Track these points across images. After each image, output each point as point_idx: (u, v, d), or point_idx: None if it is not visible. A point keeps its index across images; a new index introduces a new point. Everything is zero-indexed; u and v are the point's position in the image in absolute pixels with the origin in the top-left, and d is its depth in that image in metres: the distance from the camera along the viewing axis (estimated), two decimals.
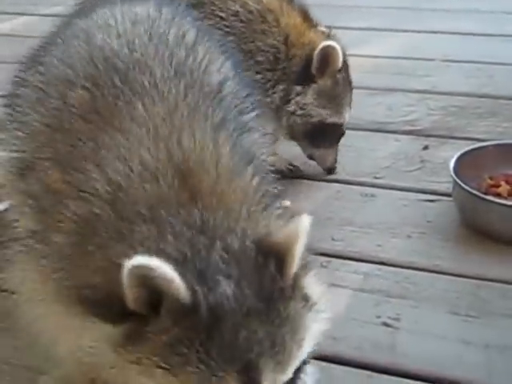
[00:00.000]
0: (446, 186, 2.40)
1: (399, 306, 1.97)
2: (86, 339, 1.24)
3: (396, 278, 2.08)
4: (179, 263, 1.15)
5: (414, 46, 3.70)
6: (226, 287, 1.15)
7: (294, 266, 1.20)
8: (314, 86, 2.47)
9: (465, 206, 2.28)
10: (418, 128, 2.89)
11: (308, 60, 2.46)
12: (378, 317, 1.93)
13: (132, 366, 1.16)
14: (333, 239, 2.27)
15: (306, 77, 2.46)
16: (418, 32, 3.89)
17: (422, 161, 2.67)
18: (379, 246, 2.22)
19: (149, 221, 1.20)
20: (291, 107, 2.47)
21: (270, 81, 2.46)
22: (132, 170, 1.25)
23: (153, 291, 1.13)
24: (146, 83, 1.37)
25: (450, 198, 2.36)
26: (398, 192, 2.50)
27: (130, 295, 1.14)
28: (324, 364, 1.79)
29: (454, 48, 3.61)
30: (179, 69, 1.44)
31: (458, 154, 2.36)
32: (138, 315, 1.16)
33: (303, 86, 2.47)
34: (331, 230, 2.31)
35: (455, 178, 2.26)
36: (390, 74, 3.39)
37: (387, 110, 3.02)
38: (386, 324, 1.91)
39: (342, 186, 2.55)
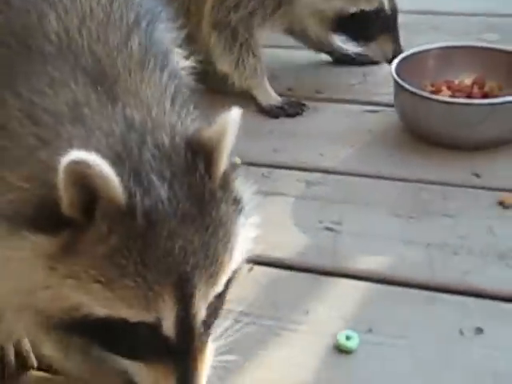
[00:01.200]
0: (389, 98, 2.39)
1: (341, 210, 1.97)
2: (15, 261, 1.11)
3: (338, 185, 2.08)
4: (114, 162, 1.05)
5: None
6: (161, 189, 1.07)
7: (222, 164, 1.12)
8: None
9: (406, 110, 2.27)
10: None
11: None
12: (321, 222, 1.93)
13: (68, 282, 1.08)
14: (275, 151, 2.26)
15: None
16: None
17: (364, 75, 2.66)
18: (321, 155, 2.22)
19: (72, 121, 1.13)
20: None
21: None
22: (45, 92, 1.18)
23: (88, 193, 1.04)
24: None
25: (393, 108, 2.35)
26: (340, 105, 2.49)
27: (66, 197, 1.05)
28: (269, 269, 1.80)
29: None
30: None
31: (399, 57, 2.34)
32: (74, 225, 1.07)
33: None
34: (273, 142, 2.30)
35: (396, 78, 2.24)
36: None
37: None
38: (328, 228, 1.91)
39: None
